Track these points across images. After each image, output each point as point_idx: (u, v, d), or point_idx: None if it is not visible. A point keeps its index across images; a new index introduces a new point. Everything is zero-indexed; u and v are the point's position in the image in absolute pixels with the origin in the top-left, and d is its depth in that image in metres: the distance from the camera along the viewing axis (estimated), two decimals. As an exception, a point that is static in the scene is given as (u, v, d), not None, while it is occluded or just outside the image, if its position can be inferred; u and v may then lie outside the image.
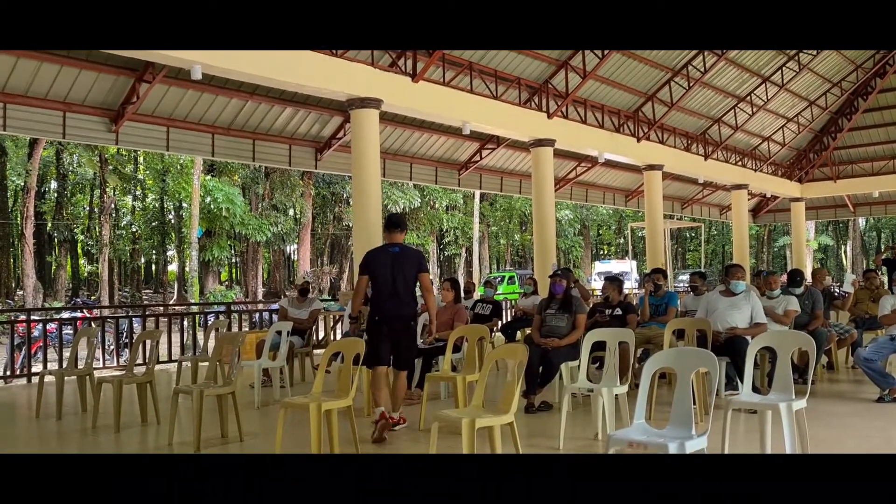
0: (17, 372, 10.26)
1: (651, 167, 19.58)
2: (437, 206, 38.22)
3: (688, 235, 51.89)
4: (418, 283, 6.02)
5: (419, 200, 34.35)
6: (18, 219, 30.02)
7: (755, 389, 5.58)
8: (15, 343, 10.39)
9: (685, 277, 32.61)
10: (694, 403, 4.30)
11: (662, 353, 4.63)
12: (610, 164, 20.86)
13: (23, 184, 30.49)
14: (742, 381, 5.31)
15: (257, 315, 13.88)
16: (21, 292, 28.82)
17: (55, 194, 35.48)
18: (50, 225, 34.58)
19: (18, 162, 30.28)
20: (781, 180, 26.23)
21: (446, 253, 44.03)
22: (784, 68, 21.05)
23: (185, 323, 12.09)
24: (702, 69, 18.41)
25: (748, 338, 6.21)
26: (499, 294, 21.54)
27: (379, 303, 5.92)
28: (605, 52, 15.43)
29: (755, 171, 24.42)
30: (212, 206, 28.84)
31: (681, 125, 21.02)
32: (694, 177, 22.68)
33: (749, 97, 21.59)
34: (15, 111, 11.33)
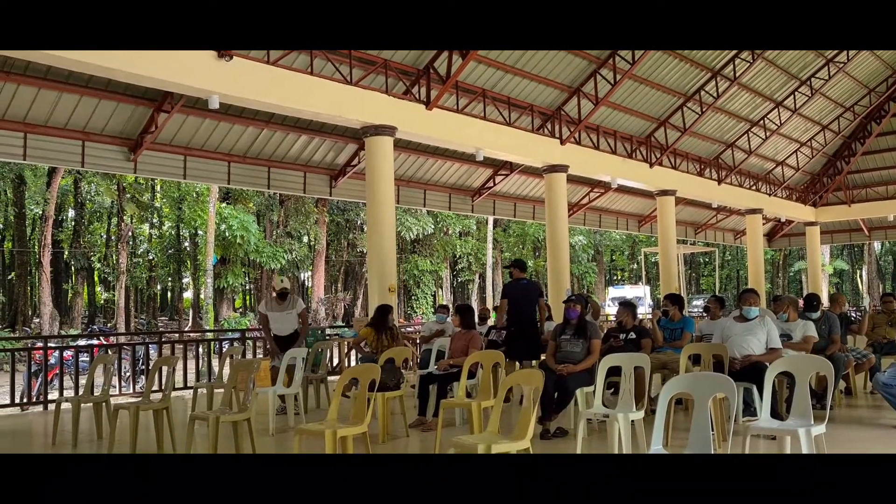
0: (34, 399, 10.32)
1: (664, 192, 19.58)
2: (450, 232, 38.30)
3: (702, 260, 51.57)
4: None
5: (432, 227, 34.43)
6: (36, 247, 30.30)
7: (774, 415, 5.53)
8: (32, 370, 10.44)
9: (699, 303, 32.37)
10: (712, 429, 4.27)
11: (680, 378, 4.61)
12: (623, 189, 20.86)
13: (41, 212, 30.89)
14: (760, 407, 5.26)
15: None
16: (38, 320, 29.04)
17: (73, 222, 35.84)
18: (67, 253, 34.88)
19: (37, 191, 30.70)
20: (796, 205, 26.11)
21: (460, 279, 43.97)
22: (797, 93, 21.03)
23: (201, 350, 12.12)
24: (714, 94, 18.42)
25: (766, 362, 6.16)
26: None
27: (513, 317, 8.50)
28: (617, 78, 15.53)
29: (769, 195, 24.32)
30: (227, 234, 29.09)
31: (694, 150, 21.01)
32: (707, 202, 22.64)
33: (762, 121, 21.55)
34: (35, 141, 11.52)
